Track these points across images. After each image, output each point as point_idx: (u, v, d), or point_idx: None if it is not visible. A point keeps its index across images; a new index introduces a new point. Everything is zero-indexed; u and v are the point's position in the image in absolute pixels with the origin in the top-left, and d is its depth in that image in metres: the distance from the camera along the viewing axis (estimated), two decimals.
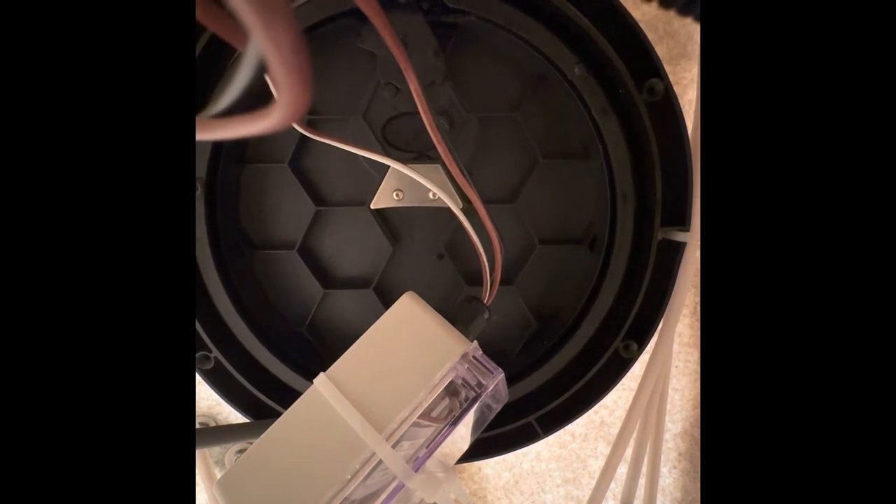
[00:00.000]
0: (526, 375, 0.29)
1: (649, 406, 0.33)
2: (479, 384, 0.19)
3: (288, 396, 0.28)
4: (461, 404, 0.19)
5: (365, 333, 0.21)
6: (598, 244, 0.30)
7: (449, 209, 0.26)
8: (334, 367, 0.20)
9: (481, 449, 0.29)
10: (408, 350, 0.20)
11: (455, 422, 0.19)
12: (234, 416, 0.38)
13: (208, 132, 0.15)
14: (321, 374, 0.20)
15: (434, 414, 0.20)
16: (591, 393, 0.28)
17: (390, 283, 0.31)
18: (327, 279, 0.31)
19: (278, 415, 0.19)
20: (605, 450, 0.39)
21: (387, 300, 0.30)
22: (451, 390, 0.20)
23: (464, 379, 0.20)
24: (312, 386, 0.20)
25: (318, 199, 0.30)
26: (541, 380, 0.29)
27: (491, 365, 0.20)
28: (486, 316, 0.23)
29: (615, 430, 0.38)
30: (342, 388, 0.19)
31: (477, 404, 0.19)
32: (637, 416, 0.32)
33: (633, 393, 0.33)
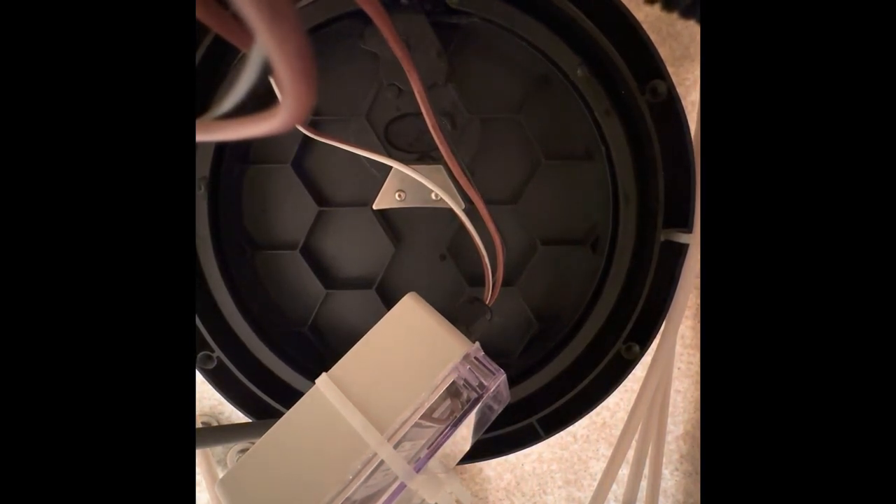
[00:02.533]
0: (528, 376, 0.29)
1: (651, 408, 0.33)
2: (481, 385, 0.19)
3: (290, 396, 0.28)
4: (463, 405, 0.19)
5: (367, 334, 0.21)
6: (601, 245, 0.30)
7: (451, 210, 0.26)
8: (336, 368, 0.20)
9: (483, 450, 0.29)
10: (410, 351, 0.20)
11: (457, 423, 0.19)
12: (236, 416, 0.39)
13: (212, 133, 0.15)
14: (323, 374, 0.20)
15: (436, 415, 0.20)
16: (592, 394, 0.28)
17: (392, 284, 0.31)
18: (329, 279, 0.31)
19: (280, 415, 0.19)
20: (606, 451, 0.39)
21: (389, 301, 0.30)
22: (452, 391, 0.20)
23: (465, 380, 0.20)
24: (314, 386, 0.20)
25: (320, 199, 0.30)
26: (542, 381, 0.29)
27: (492, 366, 0.20)
28: (487, 317, 0.23)
29: (617, 432, 0.38)
30: (344, 388, 0.19)
31: (478, 405, 0.19)
32: (639, 417, 0.32)
33: (634, 394, 0.33)
